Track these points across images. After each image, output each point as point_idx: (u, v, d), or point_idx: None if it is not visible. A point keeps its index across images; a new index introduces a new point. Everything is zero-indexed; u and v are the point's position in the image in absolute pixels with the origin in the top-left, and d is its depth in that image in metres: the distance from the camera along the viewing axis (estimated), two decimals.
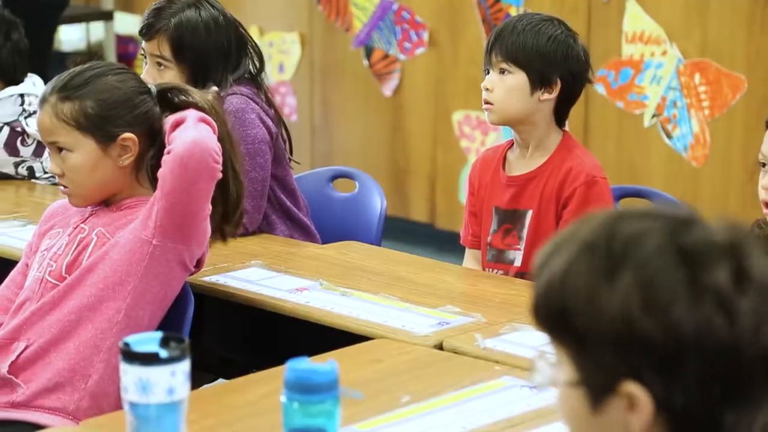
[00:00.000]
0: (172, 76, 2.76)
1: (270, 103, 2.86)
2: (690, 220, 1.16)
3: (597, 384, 1.14)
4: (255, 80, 2.86)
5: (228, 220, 2.25)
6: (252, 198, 2.79)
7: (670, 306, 1.11)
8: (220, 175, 2.17)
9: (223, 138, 2.22)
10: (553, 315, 1.15)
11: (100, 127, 2.23)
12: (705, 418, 1.13)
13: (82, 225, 2.28)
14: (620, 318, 1.11)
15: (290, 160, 2.92)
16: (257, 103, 2.81)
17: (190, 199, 2.15)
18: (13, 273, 2.36)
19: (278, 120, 2.87)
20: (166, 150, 2.17)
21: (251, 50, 2.86)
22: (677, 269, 1.12)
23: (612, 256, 1.13)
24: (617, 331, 1.12)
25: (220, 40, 2.79)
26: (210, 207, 2.19)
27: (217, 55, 2.79)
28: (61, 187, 2.29)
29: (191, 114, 2.20)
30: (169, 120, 2.22)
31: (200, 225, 2.19)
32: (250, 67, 2.85)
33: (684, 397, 1.12)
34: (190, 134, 2.14)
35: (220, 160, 2.16)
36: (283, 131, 2.89)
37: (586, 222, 1.18)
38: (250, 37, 2.89)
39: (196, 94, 2.27)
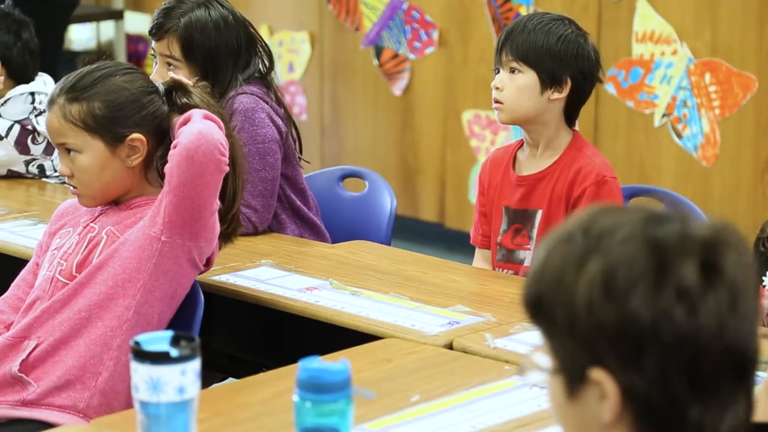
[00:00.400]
0: (182, 75, 2.76)
1: (280, 102, 2.87)
2: (671, 216, 1.17)
3: (569, 371, 1.16)
4: (265, 79, 2.86)
5: (221, 217, 2.25)
6: (262, 197, 2.79)
7: (629, 294, 1.13)
8: (227, 169, 2.17)
9: (227, 136, 2.22)
10: (531, 303, 1.19)
11: (108, 128, 2.23)
12: (669, 409, 1.14)
13: (92, 224, 2.28)
14: (584, 304, 1.14)
15: (300, 159, 2.92)
16: (267, 103, 2.81)
17: (197, 193, 2.15)
18: (24, 272, 2.36)
19: (288, 119, 2.87)
20: (172, 144, 2.17)
21: (261, 49, 2.86)
22: (644, 259, 1.14)
23: (585, 246, 1.16)
24: (582, 317, 1.14)
25: (230, 39, 2.79)
26: (218, 203, 2.19)
27: (227, 54, 2.79)
28: (71, 187, 2.30)
29: (196, 111, 2.21)
30: (177, 121, 2.22)
31: (208, 220, 2.19)
32: (260, 66, 2.86)
33: (646, 387, 1.13)
34: (196, 127, 2.14)
35: (227, 153, 2.16)
36: (293, 130, 2.89)
37: (574, 216, 1.21)
38: (260, 36, 2.89)
39: (196, 97, 2.27)
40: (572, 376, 1.16)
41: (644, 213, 1.17)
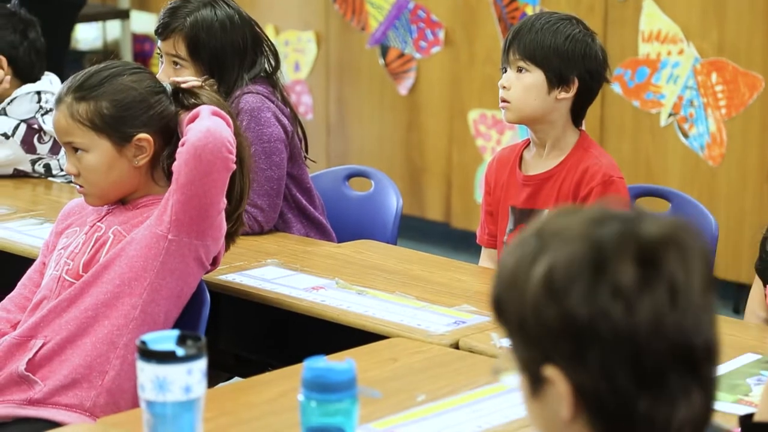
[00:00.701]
0: (188, 75, 2.76)
1: (286, 101, 2.87)
2: (619, 216, 1.20)
3: (527, 370, 1.21)
4: (270, 79, 2.86)
5: (227, 216, 2.25)
6: (268, 196, 2.79)
7: (568, 293, 1.16)
8: (234, 166, 2.17)
9: (235, 135, 2.22)
10: (493, 305, 1.23)
11: (115, 128, 2.23)
12: (618, 404, 1.17)
13: (98, 223, 2.28)
14: (530, 304, 1.18)
15: (306, 158, 2.92)
16: (273, 102, 2.81)
17: (204, 191, 2.15)
18: (30, 271, 2.36)
19: (294, 118, 2.87)
20: (180, 142, 2.17)
21: (267, 49, 2.86)
22: (582, 258, 1.17)
23: (536, 247, 1.20)
24: (529, 316, 1.19)
25: (236, 38, 2.79)
26: (225, 201, 2.20)
27: (233, 53, 2.79)
28: (77, 186, 2.30)
29: (204, 107, 2.21)
30: (185, 118, 2.22)
31: (215, 219, 2.19)
32: (266, 65, 2.86)
33: (594, 383, 1.16)
34: (204, 124, 2.14)
35: (234, 150, 2.16)
36: (299, 129, 2.89)
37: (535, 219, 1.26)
38: (266, 35, 2.89)
39: (205, 97, 2.27)
40: (531, 374, 1.20)
41: (595, 213, 1.21)
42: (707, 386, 1.21)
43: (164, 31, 2.81)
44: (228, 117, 2.20)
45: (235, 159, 2.17)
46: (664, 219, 1.21)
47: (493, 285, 1.24)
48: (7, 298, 2.35)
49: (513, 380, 1.24)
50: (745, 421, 1.65)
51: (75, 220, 2.35)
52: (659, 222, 1.20)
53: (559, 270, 1.18)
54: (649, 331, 1.16)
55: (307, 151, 2.93)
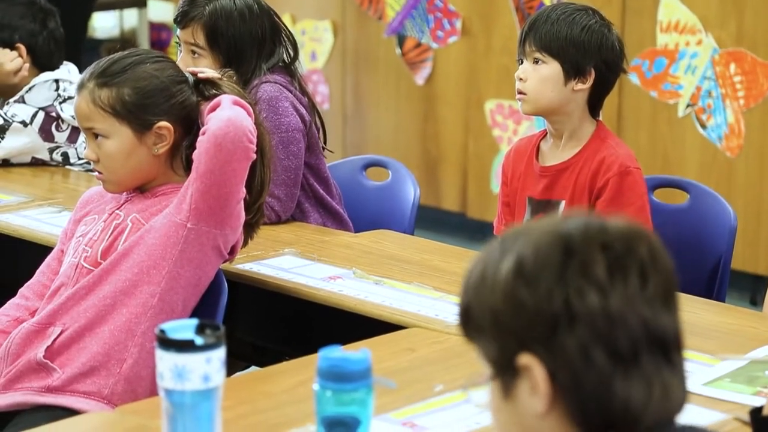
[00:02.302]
0: (206, 64, 2.76)
1: (303, 91, 2.86)
2: (582, 218, 1.24)
3: (500, 366, 1.22)
4: (289, 68, 2.86)
5: (247, 207, 2.25)
6: (285, 186, 2.79)
7: (539, 276, 1.20)
8: (254, 156, 2.17)
9: (255, 125, 2.22)
10: (462, 317, 1.26)
11: (136, 114, 2.24)
12: (595, 385, 1.19)
13: (117, 211, 2.29)
14: (502, 294, 1.21)
15: (324, 148, 2.92)
16: (291, 92, 2.81)
17: (224, 180, 2.15)
18: (49, 259, 2.37)
19: (312, 108, 2.87)
20: (201, 131, 2.17)
21: (285, 39, 2.86)
22: (552, 246, 1.21)
23: (501, 249, 1.23)
24: (502, 307, 1.21)
25: (255, 28, 2.79)
26: (244, 191, 2.20)
27: (252, 43, 2.79)
28: (96, 173, 2.31)
29: (226, 97, 2.21)
30: (206, 107, 2.23)
31: (234, 208, 2.20)
32: (284, 55, 2.86)
33: (570, 364, 1.19)
34: (225, 113, 2.14)
35: (255, 140, 2.16)
36: (317, 119, 2.89)
37: None
38: (285, 25, 2.89)
39: (226, 87, 2.27)
40: (504, 370, 1.22)
41: (556, 218, 1.26)
42: (679, 373, 1.23)
43: (183, 19, 2.81)
44: (249, 107, 2.20)
45: (255, 149, 2.17)
46: (625, 220, 1.25)
47: (461, 295, 1.26)
48: (25, 285, 2.35)
49: (482, 396, 1.26)
50: (756, 414, 1.65)
51: (93, 208, 2.35)
52: (622, 221, 1.24)
53: (528, 258, 1.21)
54: (623, 309, 1.19)
55: (325, 141, 2.93)
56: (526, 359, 1.20)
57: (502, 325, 1.21)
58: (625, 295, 1.19)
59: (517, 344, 1.20)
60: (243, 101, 2.20)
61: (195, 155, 2.16)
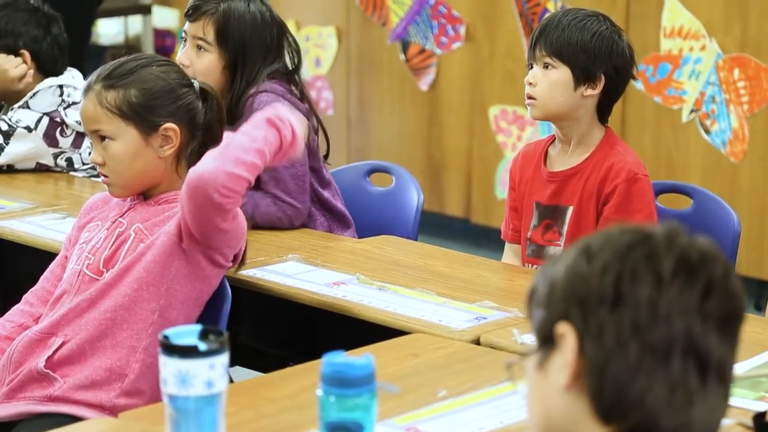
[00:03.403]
0: (210, 59, 2.77)
1: (303, 96, 2.86)
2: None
3: (542, 336, 1.24)
4: (290, 76, 2.86)
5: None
6: (297, 193, 2.79)
7: (601, 253, 1.21)
8: (230, 208, 2.14)
9: None
10: (529, 294, 1.28)
11: (142, 116, 2.24)
12: (619, 373, 1.18)
13: (120, 219, 2.29)
14: (564, 265, 1.23)
15: (326, 158, 2.91)
16: (287, 99, 2.79)
17: (203, 221, 2.16)
18: (53, 265, 2.37)
19: (310, 113, 2.86)
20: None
21: (292, 51, 2.86)
22: (625, 239, 1.22)
23: (581, 241, 1.25)
24: (559, 278, 1.23)
25: (264, 35, 2.80)
26: (234, 215, 2.18)
27: (259, 49, 2.80)
28: (102, 177, 2.31)
29: (258, 116, 2.17)
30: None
31: (223, 236, 2.20)
32: (288, 62, 2.86)
33: (601, 345, 1.19)
34: (203, 166, 2.11)
35: (236, 192, 2.11)
36: (316, 122, 2.87)
37: None
38: (293, 38, 2.89)
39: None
40: (544, 340, 1.23)
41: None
42: (710, 396, 1.20)
43: (195, 12, 2.82)
44: (279, 125, 2.18)
45: (232, 200, 2.12)
46: (706, 242, 1.24)
47: (535, 278, 1.28)
48: (29, 291, 2.36)
49: (522, 387, 1.27)
50: (759, 420, 1.65)
51: (97, 215, 2.36)
52: (704, 241, 1.23)
53: (598, 239, 1.22)
54: (672, 310, 1.18)
55: (328, 149, 2.93)
56: (563, 328, 1.21)
57: (555, 294, 1.23)
58: (680, 299, 1.19)
59: (561, 313, 1.22)
60: (277, 122, 2.16)
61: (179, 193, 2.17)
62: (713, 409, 1.22)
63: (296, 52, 2.87)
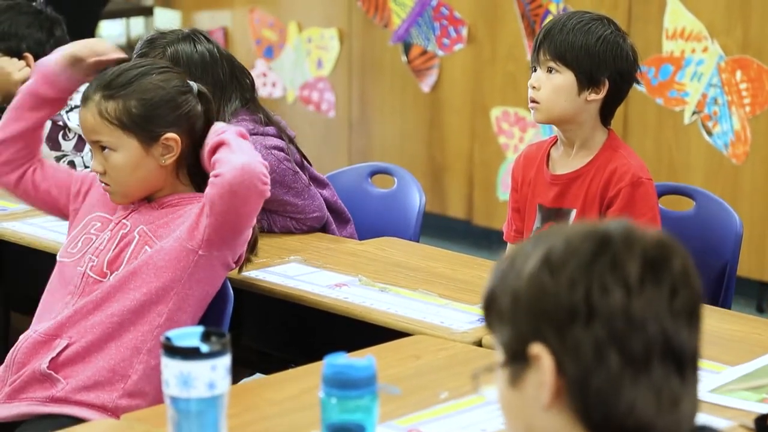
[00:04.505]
0: None
1: (270, 120, 2.78)
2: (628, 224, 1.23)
3: (512, 353, 1.21)
4: (251, 105, 2.77)
5: (252, 249, 2.32)
6: (312, 208, 2.79)
7: (566, 265, 1.18)
8: (269, 194, 2.18)
9: None
10: (486, 303, 1.25)
11: (143, 126, 2.24)
12: (603, 386, 1.17)
13: (124, 221, 2.29)
14: (527, 277, 1.20)
15: (304, 158, 2.86)
16: (258, 133, 2.72)
17: (239, 219, 2.18)
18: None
19: (280, 132, 2.79)
20: (213, 173, 2.17)
21: (246, 81, 2.76)
22: (586, 242, 1.19)
23: (533, 244, 1.22)
24: (524, 291, 1.20)
25: (217, 73, 2.69)
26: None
27: (215, 88, 2.65)
28: (102, 185, 2.31)
29: (228, 134, 2.20)
30: (207, 144, 2.22)
31: (247, 233, 2.23)
32: (246, 95, 2.77)
33: (581, 359, 1.17)
34: (239, 159, 2.15)
35: (269, 179, 2.17)
36: (287, 139, 2.81)
37: None
38: (243, 67, 2.79)
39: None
40: (515, 357, 1.21)
41: (596, 222, 1.24)
42: (691, 389, 1.22)
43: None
44: (246, 134, 2.23)
45: (269, 186, 2.18)
46: (660, 233, 1.23)
47: (488, 281, 1.25)
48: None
49: (493, 392, 1.25)
50: (760, 422, 1.65)
51: (98, 202, 2.34)
52: (659, 233, 1.22)
53: (558, 248, 1.19)
54: (645, 314, 1.17)
55: (302, 155, 2.86)
56: (537, 349, 1.18)
57: (520, 310, 1.20)
58: (651, 303, 1.18)
59: (532, 332, 1.19)
60: (241, 129, 2.22)
61: (208, 196, 2.16)
62: (695, 397, 1.23)
63: (248, 78, 2.77)
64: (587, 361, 1.17)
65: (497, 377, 1.24)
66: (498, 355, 1.24)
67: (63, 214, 2.40)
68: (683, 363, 1.20)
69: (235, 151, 2.17)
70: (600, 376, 1.17)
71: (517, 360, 1.20)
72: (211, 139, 2.22)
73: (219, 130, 2.24)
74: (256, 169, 2.15)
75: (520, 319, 1.20)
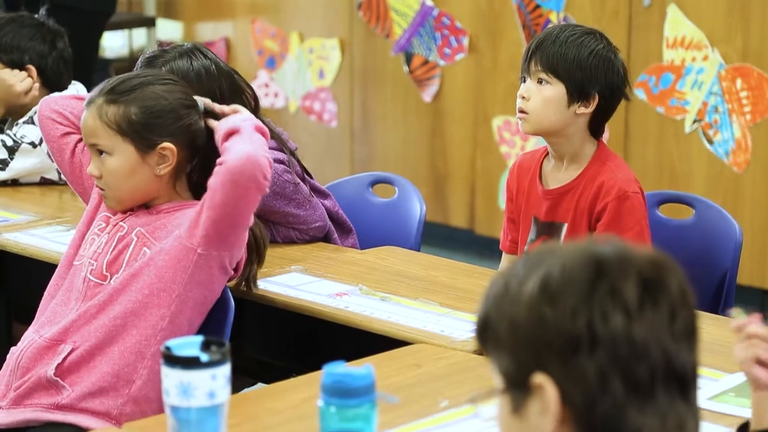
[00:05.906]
0: None
1: (271, 133, 2.77)
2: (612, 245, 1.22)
3: (513, 382, 1.20)
4: None
5: (261, 260, 2.35)
6: (313, 217, 2.79)
7: (565, 294, 1.17)
8: (267, 191, 2.19)
9: None
10: (479, 328, 1.23)
11: (140, 134, 2.26)
12: (608, 412, 1.16)
13: (121, 223, 2.31)
14: (525, 306, 1.18)
15: (305, 170, 2.86)
16: None
17: (237, 212, 2.18)
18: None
19: (281, 144, 2.80)
20: (218, 161, 2.18)
21: (248, 98, 2.74)
22: (582, 266, 1.18)
23: (527, 266, 1.21)
24: (523, 321, 1.18)
25: (213, 89, 2.66)
26: (252, 216, 2.22)
27: None
28: (98, 189, 2.33)
29: (246, 124, 2.22)
30: (222, 128, 2.24)
31: (244, 233, 2.23)
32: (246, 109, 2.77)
33: (584, 388, 1.16)
34: (244, 148, 2.16)
35: (270, 175, 2.18)
36: (287, 152, 2.81)
37: None
38: (247, 83, 2.78)
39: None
40: (516, 386, 1.19)
41: (587, 241, 1.23)
42: (693, 409, 1.21)
43: None
44: (267, 132, 2.23)
45: (269, 183, 2.19)
46: (653, 251, 1.22)
47: (480, 305, 1.23)
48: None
49: (490, 411, 1.24)
50: (743, 430, 1.66)
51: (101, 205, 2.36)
52: (651, 252, 1.22)
53: (555, 275, 1.18)
54: (647, 338, 1.17)
55: (301, 165, 2.86)
56: (540, 379, 1.17)
57: (520, 340, 1.19)
58: (652, 326, 1.17)
59: (534, 362, 1.18)
60: (263, 128, 2.23)
61: (210, 184, 2.18)
62: (697, 415, 1.22)
63: (252, 96, 2.75)
64: (592, 389, 1.16)
65: (498, 403, 1.23)
66: (497, 382, 1.23)
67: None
68: (686, 384, 1.20)
69: (245, 141, 2.18)
70: (605, 404, 1.16)
71: (519, 388, 1.20)
72: (228, 124, 2.23)
73: (240, 118, 2.24)
74: (259, 161, 2.16)
75: (520, 348, 1.19)
